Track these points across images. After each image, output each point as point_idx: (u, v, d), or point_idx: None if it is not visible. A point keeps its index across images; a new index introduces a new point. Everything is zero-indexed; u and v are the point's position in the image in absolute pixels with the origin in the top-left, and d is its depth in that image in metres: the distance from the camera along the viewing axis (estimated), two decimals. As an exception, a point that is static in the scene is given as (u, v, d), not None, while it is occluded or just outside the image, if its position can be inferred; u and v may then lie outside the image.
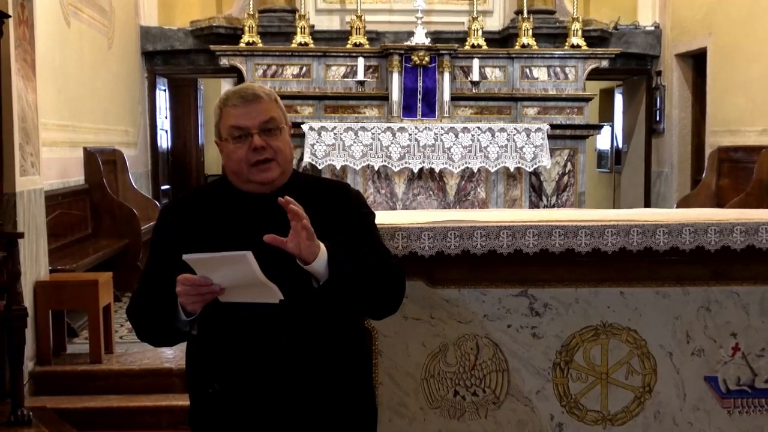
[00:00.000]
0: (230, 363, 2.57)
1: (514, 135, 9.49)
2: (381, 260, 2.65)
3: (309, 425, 2.59)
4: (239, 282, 2.37)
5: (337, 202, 2.70)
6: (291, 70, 10.12)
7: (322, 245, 2.46)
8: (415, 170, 9.40)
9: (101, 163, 8.52)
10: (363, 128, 9.29)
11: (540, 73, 10.35)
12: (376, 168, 9.36)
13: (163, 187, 11.82)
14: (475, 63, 9.98)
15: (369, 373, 2.83)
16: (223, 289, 2.39)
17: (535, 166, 9.58)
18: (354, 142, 9.27)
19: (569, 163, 10.09)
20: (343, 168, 9.28)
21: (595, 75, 10.74)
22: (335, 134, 9.26)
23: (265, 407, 2.56)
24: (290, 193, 2.59)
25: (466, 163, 9.43)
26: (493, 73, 10.31)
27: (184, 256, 2.34)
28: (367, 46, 10.19)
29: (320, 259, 2.45)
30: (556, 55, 10.37)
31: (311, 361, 2.57)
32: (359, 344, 2.78)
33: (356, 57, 9.99)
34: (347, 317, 2.69)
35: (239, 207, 2.64)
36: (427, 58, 9.78)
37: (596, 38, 10.98)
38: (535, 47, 10.33)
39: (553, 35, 10.78)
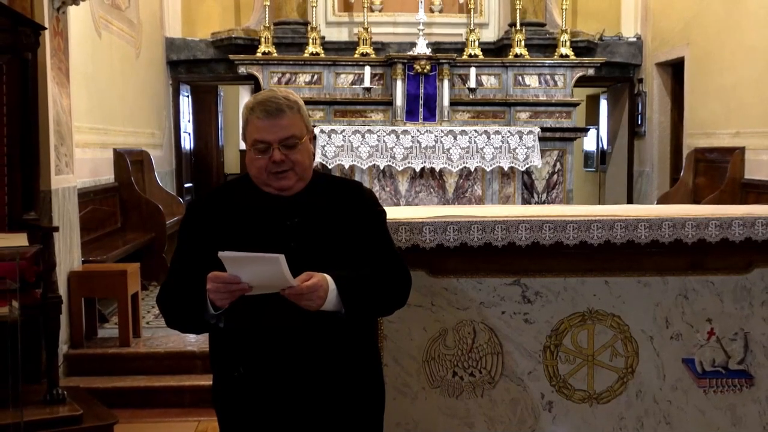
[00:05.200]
0: (253, 349, 2.56)
1: (508, 137, 9.48)
2: (389, 265, 2.65)
3: (324, 405, 2.58)
4: (267, 282, 2.36)
5: (352, 202, 2.67)
6: (303, 78, 10.11)
7: (329, 283, 2.45)
8: (417, 170, 9.39)
9: (129, 162, 8.53)
10: (369, 131, 9.29)
11: (532, 80, 10.33)
12: (381, 167, 9.35)
13: (186, 185, 11.83)
14: (472, 71, 9.96)
15: (377, 357, 2.81)
16: (251, 287, 2.38)
17: (527, 166, 9.57)
18: (361, 144, 9.27)
19: (558, 163, 10.07)
20: (351, 167, 9.27)
21: (582, 82, 10.71)
22: (344, 136, 9.26)
23: (283, 389, 2.56)
24: (308, 195, 2.61)
25: (464, 163, 9.42)
26: (489, 81, 10.28)
27: (220, 254, 2.32)
28: (373, 56, 10.17)
29: (329, 300, 2.45)
30: (547, 64, 10.35)
31: (325, 347, 2.56)
32: (368, 333, 2.76)
33: (363, 66, 9.98)
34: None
35: (261, 207, 2.61)
36: (428, 67, 9.76)
37: (583, 48, 10.95)
38: (527, 57, 10.30)
39: (543, 46, 10.75)
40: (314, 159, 2.74)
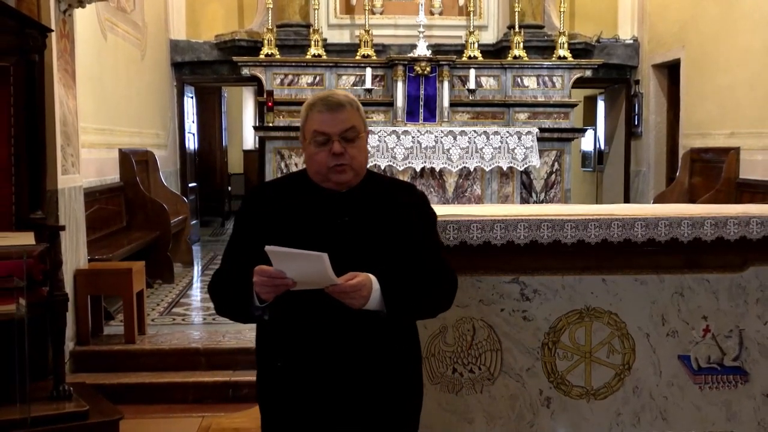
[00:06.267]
0: (296, 343, 2.57)
1: (507, 138, 9.48)
2: (436, 268, 2.64)
3: (363, 401, 2.58)
4: (310, 278, 2.37)
5: (404, 202, 2.68)
6: (306, 79, 10.12)
7: (372, 283, 2.45)
8: (418, 169, 9.40)
9: (135, 162, 8.54)
10: (370, 131, 9.29)
11: (530, 81, 10.34)
12: (382, 167, 9.34)
13: (190, 185, 11.83)
14: (472, 73, 9.97)
15: (418, 355, 2.78)
16: (295, 283, 2.38)
17: (525, 166, 9.58)
18: (362, 144, 9.26)
19: (556, 163, 10.08)
20: (353, 167, 9.26)
21: (579, 83, 10.72)
22: (345, 137, 9.25)
23: (324, 384, 2.55)
24: (362, 192, 2.64)
25: (463, 163, 9.43)
26: (488, 82, 10.29)
27: (266, 248, 2.34)
28: (374, 58, 10.18)
29: (372, 300, 2.45)
30: (545, 66, 10.35)
31: (366, 344, 2.56)
32: (410, 331, 2.74)
33: (364, 67, 9.99)
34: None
35: (317, 202, 2.62)
36: (428, 69, 9.77)
37: (581, 50, 10.96)
38: (526, 58, 10.32)
39: (541, 48, 10.75)
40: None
